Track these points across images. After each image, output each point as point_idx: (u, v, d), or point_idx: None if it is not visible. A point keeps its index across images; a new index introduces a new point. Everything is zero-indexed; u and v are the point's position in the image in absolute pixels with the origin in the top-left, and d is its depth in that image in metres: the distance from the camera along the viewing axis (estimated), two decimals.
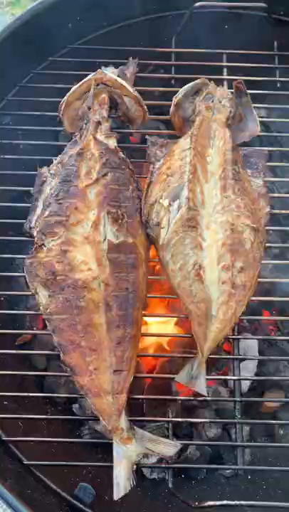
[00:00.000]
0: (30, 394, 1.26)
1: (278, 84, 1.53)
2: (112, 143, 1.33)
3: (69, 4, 1.52)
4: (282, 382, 1.52)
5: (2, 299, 1.52)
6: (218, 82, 1.45)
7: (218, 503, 1.02)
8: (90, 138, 1.31)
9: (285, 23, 1.58)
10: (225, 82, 1.51)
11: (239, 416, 1.18)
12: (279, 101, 1.53)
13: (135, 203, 1.28)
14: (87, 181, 1.26)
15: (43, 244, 1.22)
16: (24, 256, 1.33)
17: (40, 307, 1.20)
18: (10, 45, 1.46)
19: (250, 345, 1.52)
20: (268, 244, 1.34)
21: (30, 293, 1.24)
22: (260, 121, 1.36)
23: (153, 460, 1.28)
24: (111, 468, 1.11)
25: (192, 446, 1.39)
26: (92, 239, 1.21)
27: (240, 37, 1.59)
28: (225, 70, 1.54)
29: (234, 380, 1.22)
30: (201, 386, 1.17)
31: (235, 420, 1.19)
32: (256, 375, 1.50)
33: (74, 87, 1.39)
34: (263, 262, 1.28)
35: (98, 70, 1.41)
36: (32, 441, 1.18)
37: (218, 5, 1.54)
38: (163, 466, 1.18)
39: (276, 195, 1.51)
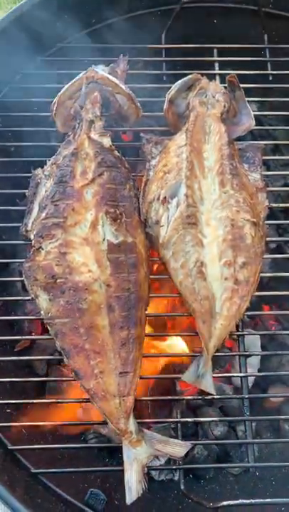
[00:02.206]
0: (33, 401, 1.23)
1: (270, 78, 1.52)
2: (107, 141, 1.31)
3: (56, 3, 1.49)
4: (284, 377, 1.52)
5: None
6: (210, 77, 1.44)
7: (232, 502, 1.00)
8: (84, 137, 1.29)
9: (274, 16, 1.58)
10: (217, 77, 1.50)
11: (248, 413, 1.17)
12: (271, 94, 1.52)
13: (133, 202, 1.27)
14: (83, 181, 1.24)
15: (40, 247, 1.19)
16: (20, 260, 1.31)
17: (41, 311, 1.17)
18: None
19: (252, 341, 1.51)
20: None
21: (27, 298, 1.22)
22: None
23: (161, 462, 1.27)
24: (120, 472, 1.08)
25: (199, 445, 1.37)
26: (91, 240, 1.19)
27: (230, 31, 1.59)
28: (216, 64, 1.53)
29: (241, 376, 1.20)
30: (208, 384, 1.16)
31: (245, 417, 1.17)
32: (259, 371, 1.49)
33: (65, 87, 1.38)
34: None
35: (89, 68, 1.39)
36: (38, 448, 1.15)
37: None
38: (174, 467, 1.16)
39: (270, 188, 1.50)
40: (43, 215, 1.23)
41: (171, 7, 1.56)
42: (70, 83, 1.37)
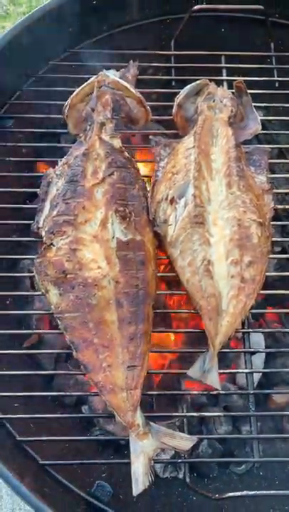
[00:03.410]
0: (41, 393, 1.25)
1: (276, 84, 1.56)
2: (117, 143, 1.34)
3: (69, 10, 1.54)
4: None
5: (8, 302, 1.51)
6: (218, 83, 1.47)
7: (237, 494, 1.02)
8: (96, 138, 1.33)
9: (281, 25, 1.62)
10: (225, 83, 1.53)
11: (253, 409, 1.19)
12: (277, 100, 1.56)
13: (142, 201, 1.29)
14: (94, 181, 1.27)
15: (51, 243, 1.22)
16: (29, 257, 1.34)
17: (52, 306, 1.20)
18: (11, 50, 1.47)
19: (256, 341, 1.52)
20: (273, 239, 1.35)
21: (37, 293, 1.24)
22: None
23: (167, 456, 1.28)
24: (125, 465, 1.10)
25: (204, 443, 1.39)
26: (100, 237, 1.22)
27: (237, 39, 1.62)
28: (224, 71, 1.56)
29: (246, 373, 1.22)
30: (213, 380, 1.17)
31: (250, 413, 1.19)
32: None
33: (77, 90, 1.41)
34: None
35: (100, 72, 1.43)
36: (46, 440, 1.17)
37: (216, 8, 1.57)
38: (179, 461, 1.17)
39: (276, 191, 1.53)
40: (55, 212, 1.26)
41: (180, 16, 1.60)
42: (82, 86, 1.41)
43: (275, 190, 1.43)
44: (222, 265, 1.22)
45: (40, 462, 1.11)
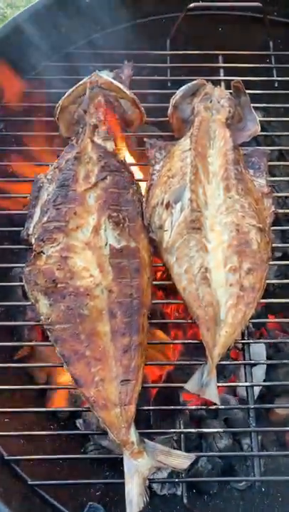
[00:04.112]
0: (33, 409, 1.20)
1: (276, 84, 1.51)
2: (110, 146, 1.30)
3: (61, 9, 1.49)
4: None
5: None
6: (215, 84, 1.44)
7: None
8: (88, 141, 1.29)
9: (280, 23, 1.57)
10: (222, 83, 1.49)
11: (254, 424, 1.13)
12: (277, 100, 1.51)
13: (136, 207, 1.25)
14: (86, 185, 1.23)
15: (41, 251, 1.18)
16: (20, 265, 1.28)
17: (41, 317, 1.15)
18: (1, 51, 1.43)
19: (257, 351, 1.47)
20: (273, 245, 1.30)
21: (28, 303, 1.19)
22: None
23: (164, 475, 1.22)
24: (120, 485, 1.04)
25: (203, 458, 1.33)
26: (93, 244, 1.17)
27: (235, 38, 1.58)
28: (221, 71, 1.53)
29: (247, 386, 1.16)
30: (212, 394, 1.11)
31: (250, 429, 1.13)
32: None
33: (69, 91, 1.37)
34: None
35: (93, 73, 1.39)
36: (36, 459, 1.11)
37: (212, 5, 1.52)
38: (176, 480, 1.12)
39: (276, 194, 1.48)
40: (45, 219, 1.21)
41: (176, 14, 1.55)
42: (73, 88, 1.37)
43: (275, 194, 1.39)
44: (220, 273, 1.17)
45: (30, 483, 1.05)
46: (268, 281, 1.22)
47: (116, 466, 1.33)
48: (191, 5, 1.50)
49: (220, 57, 1.54)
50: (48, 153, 1.42)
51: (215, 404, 1.12)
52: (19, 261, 1.44)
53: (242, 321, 1.16)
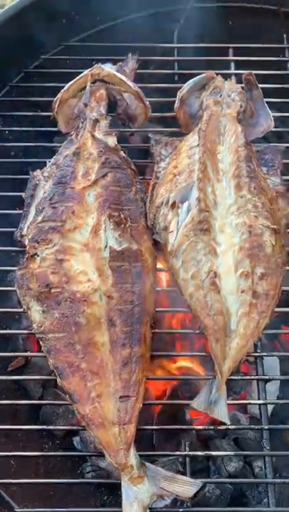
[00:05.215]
0: (25, 427, 1.10)
1: None
2: (112, 141, 1.26)
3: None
4: None
5: None
6: (226, 77, 1.39)
7: None
8: (88, 136, 1.25)
9: None
10: (233, 77, 1.41)
11: (268, 447, 1.02)
12: None
13: (139, 206, 1.21)
14: (85, 183, 1.18)
15: (35, 253, 1.12)
16: (13, 268, 1.19)
17: (34, 325, 1.08)
18: None
19: (270, 365, 1.37)
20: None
21: (21, 310, 1.11)
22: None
23: (167, 502, 1.11)
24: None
25: (210, 483, 1.22)
26: (91, 246, 1.12)
27: (245, 31, 1.54)
28: (232, 64, 1.47)
29: (260, 404, 1.06)
30: (221, 412, 1.03)
31: (264, 452, 1.02)
32: (278, 398, 1.34)
33: (69, 84, 1.32)
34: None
35: (95, 65, 1.33)
36: (26, 483, 1.01)
37: None
38: (181, 510, 1.01)
39: None
40: (40, 218, 1.17)
41: (183, 6, 1.49)
42: (74, 80, 1.33)
43: None
44: (231, 278, 1.10)
45: (16, 510, 0.95)
46: (283, 288, 1.12)
47: (116, 489, 1.23)
48: None
49: (230, 51, 1.49)
50: None
51: (224, 423, 1.01)
52: (17, 265, 1.35)
53: (255, 332, 1.09)
